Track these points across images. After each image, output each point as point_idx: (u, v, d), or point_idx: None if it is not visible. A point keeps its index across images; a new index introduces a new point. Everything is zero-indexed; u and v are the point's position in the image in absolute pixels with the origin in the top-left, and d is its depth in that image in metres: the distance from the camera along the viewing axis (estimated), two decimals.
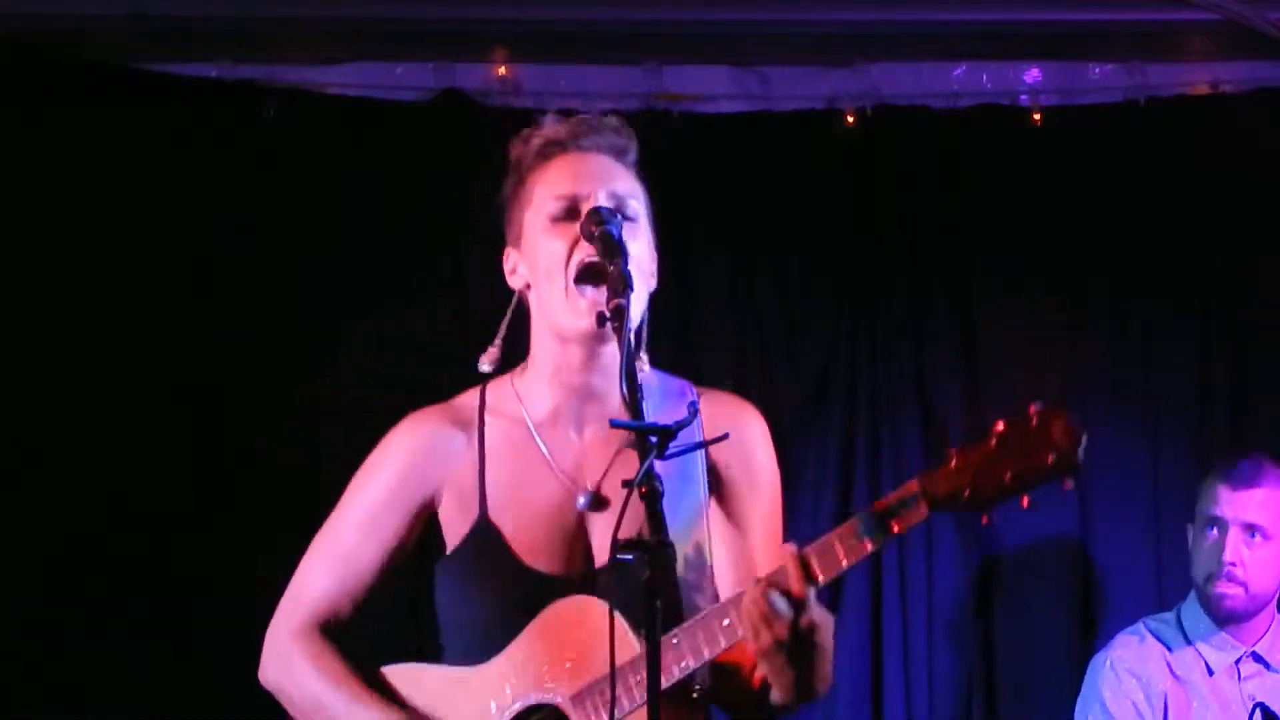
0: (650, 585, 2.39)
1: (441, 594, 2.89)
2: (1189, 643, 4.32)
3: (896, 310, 5.02)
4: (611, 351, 2.72)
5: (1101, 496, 4.96)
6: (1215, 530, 4.24)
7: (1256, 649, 4.30)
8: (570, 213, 2.76)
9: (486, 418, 2.88)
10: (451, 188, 4.68)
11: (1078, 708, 4.39)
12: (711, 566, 2.83)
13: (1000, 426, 2.53)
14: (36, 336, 4.66)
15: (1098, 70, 5.13)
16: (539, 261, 2.79)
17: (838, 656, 4.79)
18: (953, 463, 2.54)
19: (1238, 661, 4.30)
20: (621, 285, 2.59)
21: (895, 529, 2.57)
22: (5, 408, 4.63)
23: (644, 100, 4.97)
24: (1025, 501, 2.54)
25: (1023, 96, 5.09)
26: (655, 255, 2.87)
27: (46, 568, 4.58)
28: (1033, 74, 5.13)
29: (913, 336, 5.02)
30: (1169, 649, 4.32)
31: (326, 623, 2.89)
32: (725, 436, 2.71)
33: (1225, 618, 4.27)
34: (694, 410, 2.57)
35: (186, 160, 4.76)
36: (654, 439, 2.44)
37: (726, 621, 2.63)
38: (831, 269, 5.03)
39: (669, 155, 4.94)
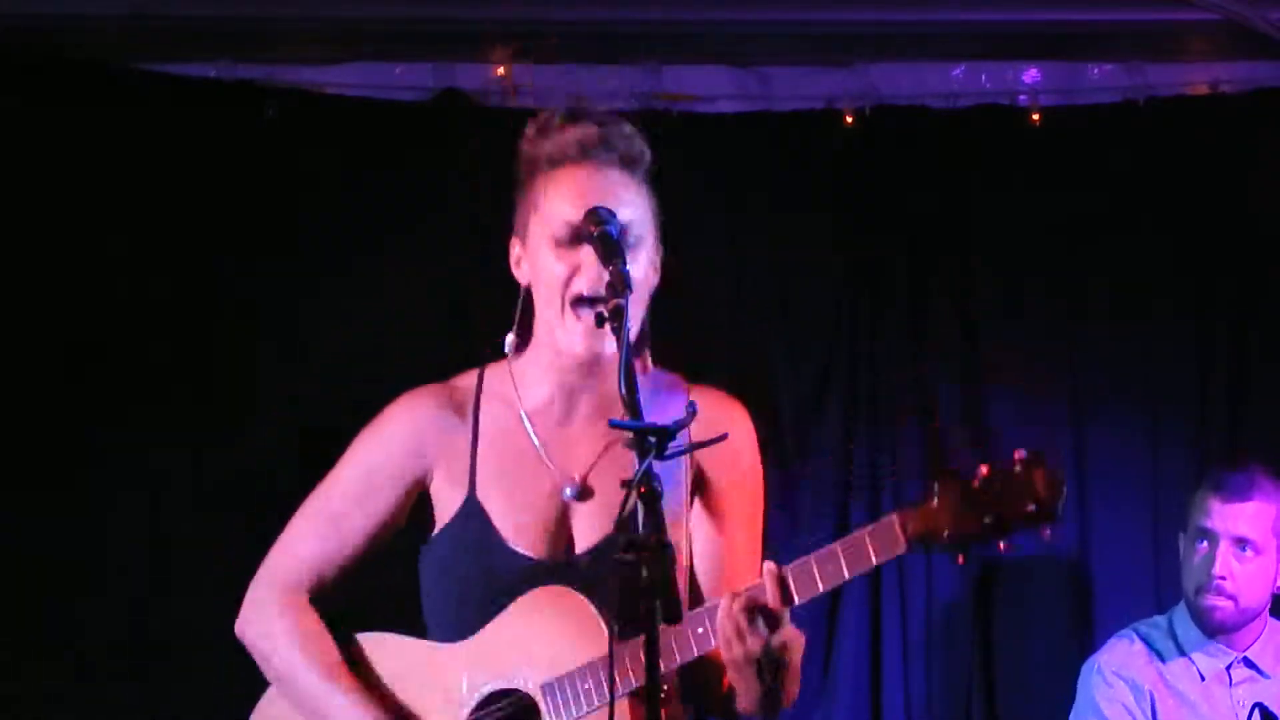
0: (650, 585, 2.40)
1: (426, 571, 2.93)
2: (1180, 649, 4.32)
3: (896, 310, 5.02)
4: (607, 351, 2.75)
5: (1101, 497, 4.97)
6: (1206, 543, 4.23)
7: (1248, 654, 4.30)
8: (573, 238, 2.78)
9: (483, 401, 2.92)
10: (451, 188, 4.68)
11: (1073, 716, 4.39)
12: (690, 568, 2.87)
13: (984, 471, 2.56)
14: (37, 337, 4.66)
15: (1097, 70, 5.13)
16: (540, 275, 2.83)
17: (836, 653, 4.89)
18: (934, 502, 2.57)
19: (1229, 667, 4.30)
20: (621, 285, 2.61)
21: (873, 560, 2.60)
22: (5, 409, 4.63)
23: (644, 100, 4.97)
24: (1002, 546, 2.56)
25: (1022, 96, 5.09)
26: (658, 268, 2.89)
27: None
28: (1032, 74, 5.13)
29: (913, 337, 5.02)
30: (1160, 654, 4.32)
31: (310, 586, 2.94)
32: (724, 437, 2.73)
33: (1215, 629, 4.27)
34: (692, 411, 2.58)
35: (186, 160, 4.76)
36: (652, 439, 2.45)
37: (701, 630, 2.67)
38: (831, 269, 5.03)
39: (669, 155, 4.95)
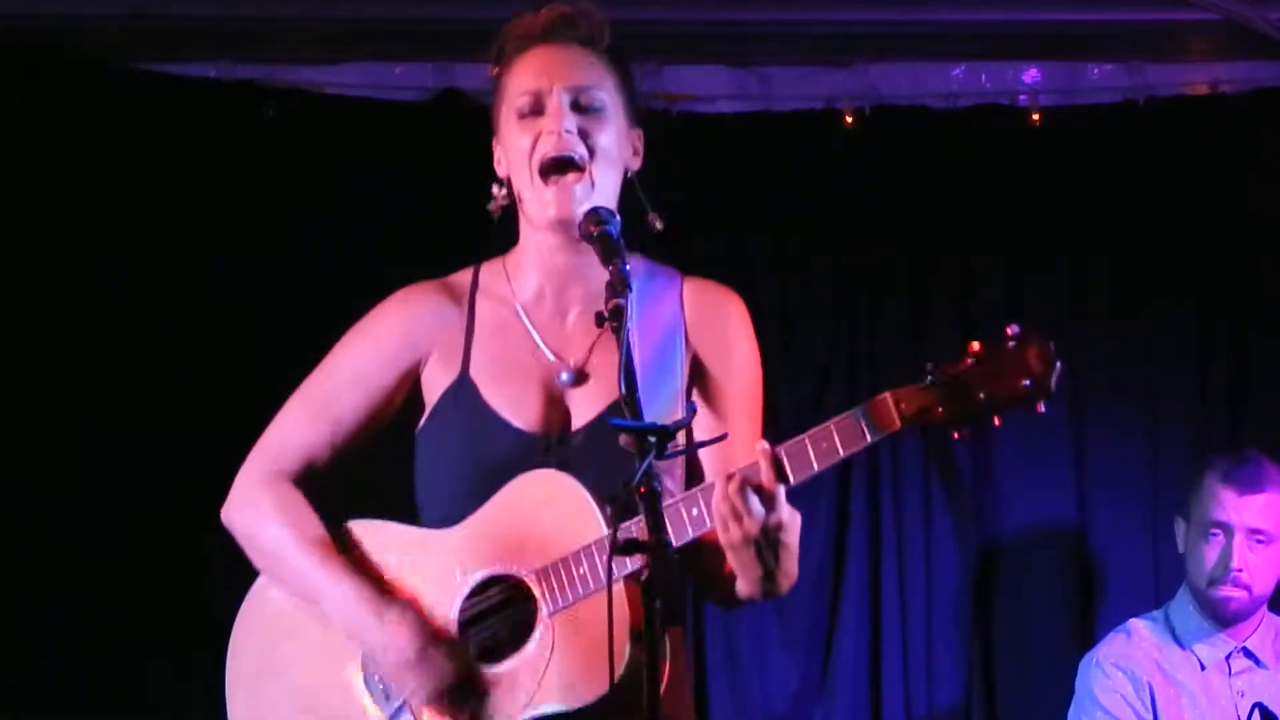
0: (650, 585, 2.40)
1: (420, 455, 2.92)
2: (1178, 641, 4.33)
3: (896, 310, 5.02)
4: (579, 213, 2.78)
5: (1101, 493, 4.97)
6: (1220, 535, 4.24)
7: (1247, 645, 4.31)
8: (534, 108, 2.85)
9: (478, 295, 2.95)
10: (451, 188, 4.68)
11: (1071, 711, 4.39)
12: (688, 460, 2.88)
13: (976, 347, 2.63)
14: (36, 336, 4.66)
15: (1097, 70, 5.14)
16: (509, 154, 2.89)
17: (836, 652, 4.89)
18: (926, 379, 2.61)
19: (1228, 657, 4.31)
20: (621, 286, 2.61)
21: (867, 438, 2.63)
22: (5, 409, 4.64)
23: (644, 100, 4.95)
24: (996, 420, 2.61)
25: (1022, 97, 5.09)
26: (638, 150, 2.93)
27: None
28: (1032, 74, 5.13)
29: (913, 337, 5.02)
30: (1158, 647, 4.33)
31: (300, 470, 2.94)
32: (723, 437, 2.75)
33: (1229, 619, 4.28)
34: (692, 411, 2.59)
35: (186, 160, 4.76)
36: (653, 439, 2.45)
37: (695, 511, 2.68)
38: (831, 269, 5.04)
39: (668, 155, 4.95)
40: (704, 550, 2.78)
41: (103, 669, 4.59)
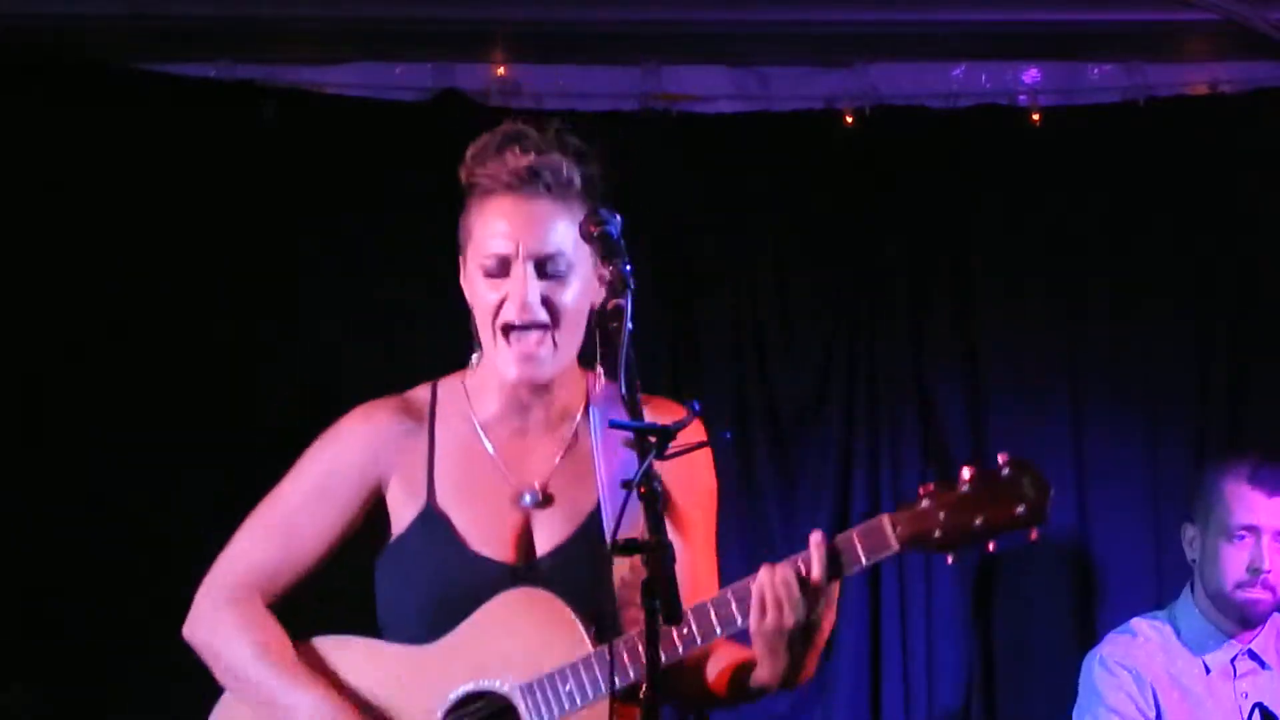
0: (650, 585, 2.42)
1: (384, 580, 2.91)
2: (1184, 642, 4.33)
3: (896, 310, 5.02)
4: (541, 375, 2.82)
5: (1100, 496, 4.97)
6: (1248, 537, 4.22)
7: (1251, 646, 4.31)
8: (500, 270, 2.84)
9: (438, 414, 2.94)
10: (451, 188, 4.67)
11: (1075, 711, 4.39)
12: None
13: (968, 474, 2.65)
14: (35, 336, 4.66)
15: (1097, 70, 5.14)
16: (475, 302, 2.89)
17: (837, 655, 4.88)
18: (923, 504, 2.64)
19: (1234, 660, 4.31)
20: (621, 286, 2.61)
21: (864, 562, 2.68)
22: (4, 408, 4.64)
23: (643, 100, 4.97)
24: (992, 547, 2.65)
25: (1022, 97, 5.09)
26: (605, 281, 2.81)
27: None
28: (1032, 74, 5.13)
29: (913, 336, 5.02)
30: (1163, 649, 4.33)
31: (262, 586, 2.92)
32: (716, 441, 2.77)
33: (1255, 621, 4.28)
34: (694, 412, 2.59)
35: (186, 160, 4.76)
36: (652, 439, 2.45)
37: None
38: (831, 269, 5.03)
39: (668, 155, 4.97)
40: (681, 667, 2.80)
41: (102, 669, 4.59)
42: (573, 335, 2.85)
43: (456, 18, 4.84)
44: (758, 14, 4.93)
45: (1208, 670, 4.30)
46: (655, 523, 2.42)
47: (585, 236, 2.73)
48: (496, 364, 2.85)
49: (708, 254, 4.99)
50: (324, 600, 2.97)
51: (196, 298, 4.75)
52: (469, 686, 2.78)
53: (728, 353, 4.94)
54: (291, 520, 2.93)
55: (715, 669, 2.84)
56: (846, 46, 5.04)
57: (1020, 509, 2.62)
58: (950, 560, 2.66)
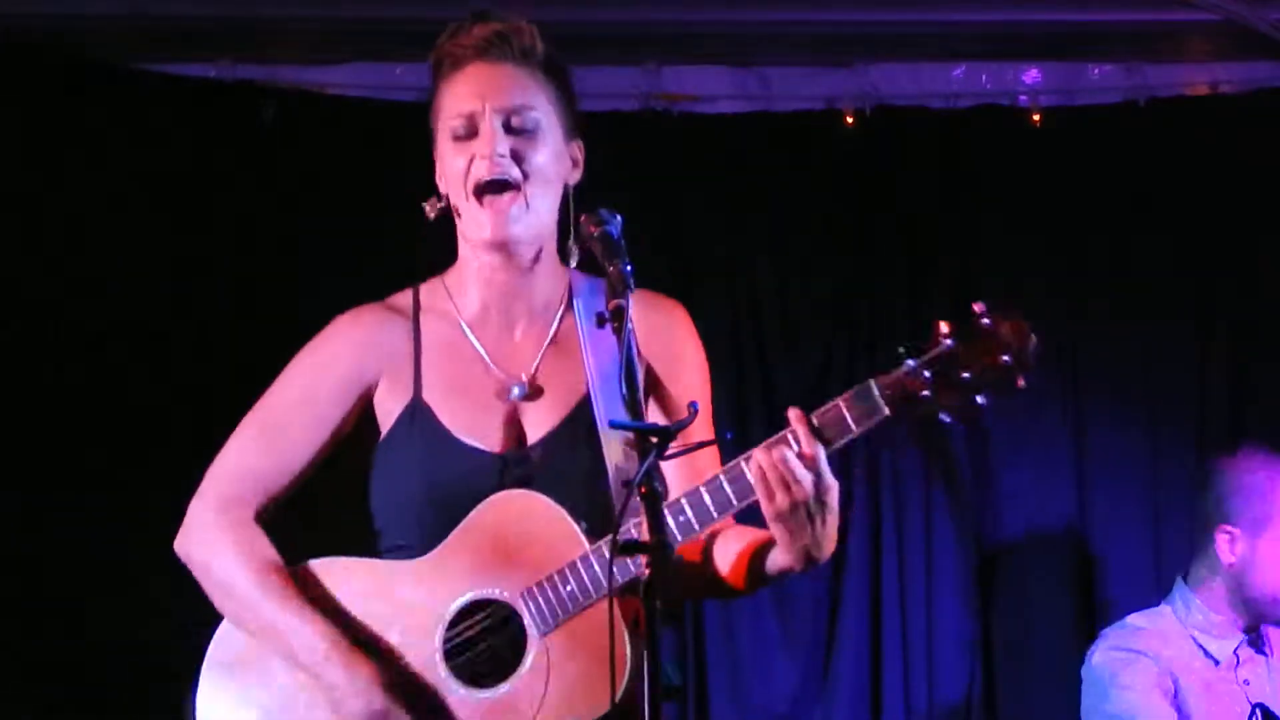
0: (650, 585, 2.39)
1: (376, 482, 2.89)
2: (1188, 634, 4.32)
3: (896, 310, 5.02)
4: (514, 232, 2.82)
5: (1101, 496, 4.97)
6: None
7: (1252, 636, 4.30)
8: (468, 130, 2.86)
9: (421, 315, 2.95)
10: None
11: (1084, 711, 4.37)
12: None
13: (945, 329, 2.64)
14: (35, 335, 4.66)
15: (1097, 70, 5.14)
16: (447, 174, 2.92)
17: (836, 652, 4.89)
18: (907, 364, 2.63)
19: (1236, 649, 4.30)
20: (621, 286, 2.61)
21: (855, 430, 2.62)
22: (4, 408, 4.64)
23: (643, 100, 4.98)
24: (980, 399, 2.59)
25: (1022, 97, 5.09)
26: (578, 162, 2.91)
27: None
28: (1032, 74, 5.14)
29: (913, 336, 5.01)
30: (1165, 640, 4.31)
31: (255, 499, 2.89)
32: (712, 442, 2.76)
33: None
34: (694, 411, 2.58)
35: (186, 160, 4.76)
36: (653, 439, 2.45)
37: (682, 518, 2.65)
38: (831, 269, 5.04)
39: (668, 155, 4.97)
40: (703, 550, 2.78)
41: (102, 669, 4.60)
42: (545, 196, 2.85)
43: (456, 18, 4.83)
44: (758, 14, 4.93)
45: (1216, 662, 4.29)
46: (655, 523, 2.41)
47: (585, 236, 2.73)
48: (470, 232, 2.86)
49: (708, 254, 4.99)
50: (309, 517, 2.93)
51: (196, 298, 4.75)
52: (470, 596, 2.74)
53: (727, 353, 4.94)
54: (281, 425, 2.91)
55: (727, 560, 2.79)
56: (847, 46, 5.05)
57: (1005, 358, 2.58)
58: (948, 420, 2.61)
